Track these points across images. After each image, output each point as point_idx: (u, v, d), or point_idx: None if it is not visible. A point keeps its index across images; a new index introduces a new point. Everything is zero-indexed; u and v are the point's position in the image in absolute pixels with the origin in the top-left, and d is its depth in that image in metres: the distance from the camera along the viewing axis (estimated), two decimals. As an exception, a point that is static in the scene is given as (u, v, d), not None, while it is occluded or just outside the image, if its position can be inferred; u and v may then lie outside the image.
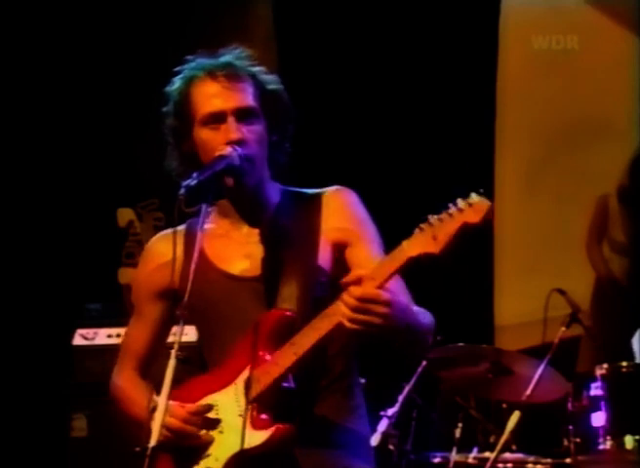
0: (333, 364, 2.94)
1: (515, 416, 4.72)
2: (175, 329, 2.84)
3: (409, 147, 6.35)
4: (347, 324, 2.65)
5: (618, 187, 6.48)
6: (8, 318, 6.30)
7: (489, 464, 4.72)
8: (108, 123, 6.56)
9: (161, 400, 2.68)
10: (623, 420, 4.79)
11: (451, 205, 2.59)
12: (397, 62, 6.40)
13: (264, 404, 2.81)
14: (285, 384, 2.81)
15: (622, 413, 4.79)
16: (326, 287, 2.89)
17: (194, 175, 2.81)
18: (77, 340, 5.78)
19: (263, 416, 2.79)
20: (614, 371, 4.87)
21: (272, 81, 3.02)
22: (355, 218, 2.97)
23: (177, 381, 2.74)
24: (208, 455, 2.88)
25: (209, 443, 2.88)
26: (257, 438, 2.78)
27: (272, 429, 2.77)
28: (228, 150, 2.89)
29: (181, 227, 3.05)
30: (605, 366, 4.89)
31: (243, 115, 2.92)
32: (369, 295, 2.62)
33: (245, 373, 2.84)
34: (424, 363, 4.98)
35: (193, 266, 2.75)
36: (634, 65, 6.44)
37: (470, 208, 2.57)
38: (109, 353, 5.69)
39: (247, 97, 2.94)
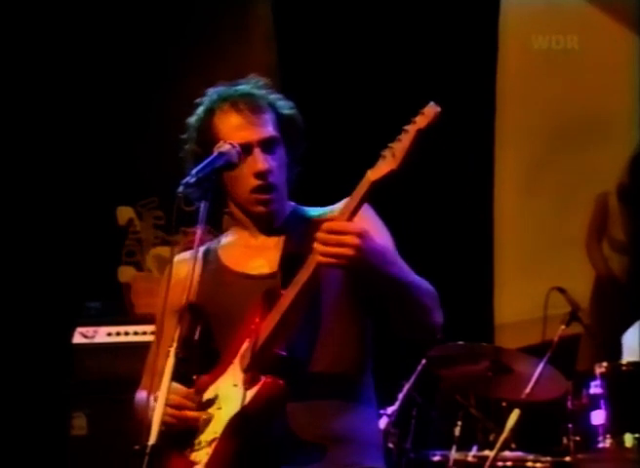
0: (347, 353, 2.94)
1: (515, 415, 4.73)
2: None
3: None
4: (321, 258, 2.67)
5: (617, 186, 6.48)
6: (8, 316, 6.30)
7: (488, 462, 4.73)
8: (108, 122, 6.56)
9: (160, 398, 2.69)
10: (623, 418, 4.79)
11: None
12: (397, 61, 6.40)
13: (258, 370, 2.81)
14: (278, 351, 2.81)
15: (622, 412, 4.79)
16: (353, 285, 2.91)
17: (193, 172, 2.83)
18: (77, 338, 5.79)
19: (256, 375, 2.79)
20: (613, 370, 4.87)
21: (288, 107, 3.08)
22: (371, 225, 2.94)
23: (175, 380, 2.75)
24: (208, 430, 2.88)
25: (209, 420, 2.89)
26: (247, 397, 2.78)
27: (260, 383, 2.78)
28: (227, 146, 2.92)
29: (201, 248, 3.06)
30: (605, 364, 4.89)
31: (267, 145, 2.99)
32: (338, 227, 2.65)
33: (242, 348, 2.86)
34: (424, 361, 4.98)
35: (194, 264, 2.77)
36: (634, 65, 6.44)
37: (422, 115, 2.64)
38: (109, 351, 5.73)
39: (269, 128, 3.00)
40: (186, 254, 3.10)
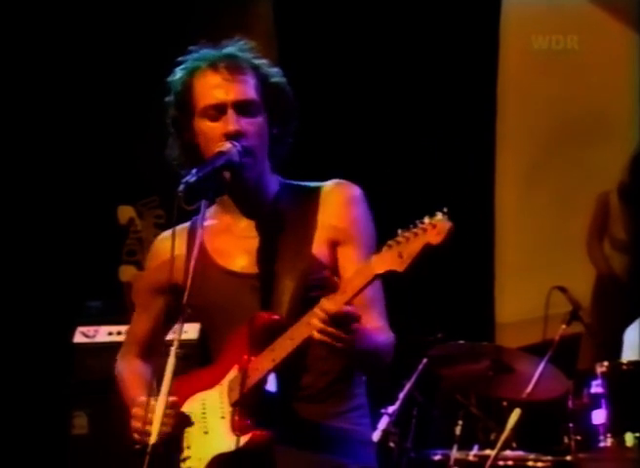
0: (330, 366, 2.94)
1: (516, 414, 4.73)
2: (175, 326, 2.84)
3: (410, 145, 6.35)
4: (315, 335, 2.69)
5: (618, 185, 6.48)
6: (8, 315, 6.30)
7: (489, 462, 4.73)
8: (109, 121, 6.56)
9: (161, 397, 2.69)
10: (624, 418, 4.78)
11: (418, 222, 2.60)
12: (398, 60, 6.40)
13: (246, 407, 2.82)
14: (267, 389, 2.83)
15: (623, 411, 4.79)
16: (324, 282, 2.89)
17: (193, 171, 2.81)
18: (78, 338, 5.78)
19: (244, 421, 2.81)
20: (614, 369, 4.87)
21: (275, 74, 3.02)
22: (350, 217, 2.97)
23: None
24: (192, 455, 2.91)
25: (192, 444, 2.91)
26: (235, 442, 2.80)
27: (249, 435, 2.80)
28: (228, 146, 2.89)
29: (185, 225, 3.06)
30: (605, 363, 4.88)
31: (243, 108, 2.92)
32: (338, 315, 2.66)
33: (231, 375, 2.86)
34: (425, 360, 4.98)
35: (193, 262, 2.78)
36: (634, 63, 6.44)
37: (433, 229, 2.58)
38: (110, 351, 5.68)
39: (247, 90, 2.94)
40: (169, 233, 3.01)
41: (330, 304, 2.66)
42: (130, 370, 3.19)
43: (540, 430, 5.11)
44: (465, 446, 5.06)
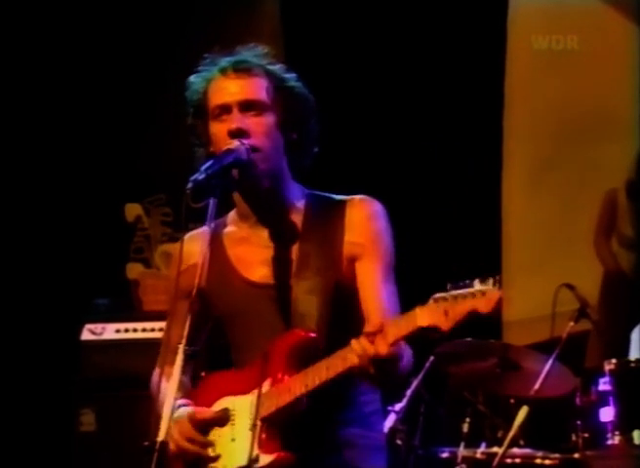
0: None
1: (523, 411, 4.72)
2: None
3: (416, 146, 6.35)
4: (357, 371, 2.72)
5: (626, 182, 6.48)
6: (16, 313, 6.31)
7: (497, 459, 4.72)
8: (115, 118, 6.56)
9: (169, 393, 2.69)
10: (632, 415, 4.78)
11: (468, 282, 2.63)
12: (405, 60, 6.39)
13: (274, 424, 2.84)
14: (297, 412, 2.85)
15: (631, 408, 4.78)
16: (345, 298, 2.93)
17: (201, 169, 2.82)
18: (85, 335, 5.79)
19: (271, 440, 2.83)
20: (622, 367, 4.87)
21: (291, 78, 3.03)
22: (371, 234, 2.98)
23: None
24: (218, 462, 2.92)
25: (220, 448, 2.92)
26: (261, 460, 2.81)
27: (274, 456, 2.81)
28: (236, 144, 2.91)
29: (205, 228, 3.01)
30: (613, 361, 4.88)
31: (248, 107, 2.94)
32: (379, 357, 2.68)
33: (263, 388, 2.87)
34: (432, 358, 4.98)
35: (202, 260, 2.79)
36: (636, 61, 6.44)
37: (483, 296, 2.60)
38: (117, 348, 5.73)
39: (253, 90, 2.95)
40: (196, 233, 3.06)
41: (371, 346, 2.67)
42: (164, 382, 3.12)
43: (547, 428, 5.10)
44: (473, 443, 5.05)
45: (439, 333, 2.64)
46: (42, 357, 6.21)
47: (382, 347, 2.66)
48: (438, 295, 2.63)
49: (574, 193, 6.54)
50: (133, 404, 5.20)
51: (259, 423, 2.83)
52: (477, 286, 2.61)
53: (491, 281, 2.61)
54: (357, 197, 3.04)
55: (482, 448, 5.02)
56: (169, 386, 2.71)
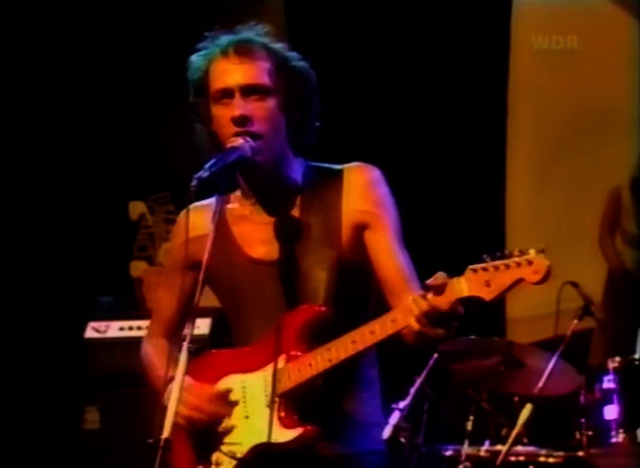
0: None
1: (527, 409, 4.72)
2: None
3: (421, 141, 6.34)
4: (408, 332, 2.70)
5: (630, 180, 6.47)
6: (20, 311, 6.32)
7: (501, 457, 4.72)
8: (120, 116, 6.56)
9: (174, 392, 2.69)
10: (636, 413, 4.77)
11: (507, 253, 2.59)
12: (409, 57, 6.38)
13: (292, 400, 2.84)
14: (316, 385, 2.85)
15: (635, 406, 4.78)
16: (348, 270, 2.91)
17: (206, 166, 2.81)
18: (89, 333, 5.80)
19: (292, 415, 2.83)
20: (626, 364, 4.86)
21: (293, 57, 3.03)
22: (375, 200, 2.96)
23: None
24: (231, 439, 2.91)
25: (232, 426, 2.91)
26: (284, 435, 2.82)
27: (300, 430, 2.82)
28: (240, 141, 2.90)
29: (210, 201, 3.01)
30: (617, 358, 4.87)
31: (251, 91, 2.93)
32: (442, 310, 2.66)
33: (278, 364, 2.86)
34: (436, 355, 4.97)
35: (208, 247, 2.77)
36: (637, 57, 6.44)
37: (529, 265, 2.59)
38: (121, 346, 5.73)
39: (256, 73, 2.94)
40: (199, 205, 3.02)
41: (428, 302, 2.65)
42: (156, 350, 3.16)
43: (551, 425, 5.10)
44: (477, 441, 5.04)
45: (479, 302, 2.60)
46: (46, 355, 6.21)
47: (442, 303, 2.63)
48: (476, 266, 2.62)
49: (579, 191, 6.53)
50: (137, 401, 5.20)
51: (277, 399, 2.82)
52: (519, 257, 2.57)
53: (533, 250, 2.57)
54: (354, 164, 3.04)
55: (486, 446, 5.02)
56: (174, 387, 2.70)
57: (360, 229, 2.95)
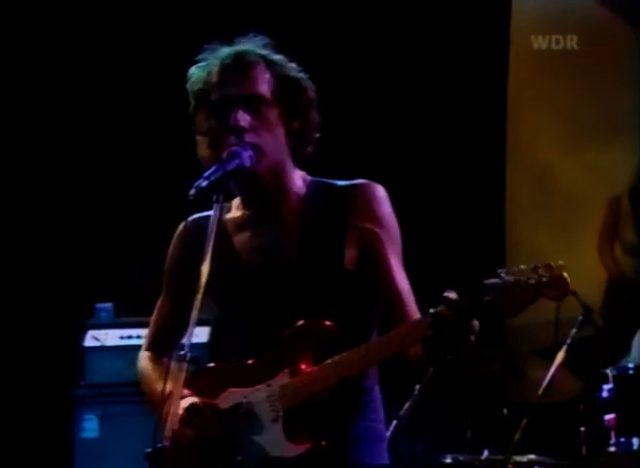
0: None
1: (527, 417, 4.71)
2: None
3: (420, 149, 6.35)
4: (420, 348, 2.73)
5: (629, 188, 6.47)
6: (19, 318, 6.31)
7: (500, 466, 4.72)
8: (122, 119, 6.56)
9: (174, 401, 2.68)
10: (635, 422, 4.77)
11: (525, 269, 2.64)
12: (410, 58, 6.39)
13: (298, 414, 2.83)
14: (322, 400, 2.84)
15: (634, 415, 4.77)
16: (351, 283, 2.92)
17: (205, 174, 2.82)
18: (88, 341, 5.79)
19: (299, 430, 2.82)
20: (623, 373, 4.86)
21: (292, 68, 3.02)
22: (379, 219, 2.97)
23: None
24: (237, 455, 2.88)
25: (238, 442, 2.88)
26: (291, 450, 2.81)
27: (307, 446, 2.81)
28: (238, 150, 2.90)
29: (209, 213, 2.95)
30: (617, 367, 4.87)
31: (249, 102, 2.93)
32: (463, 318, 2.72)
33: (281, 378, 2.85)
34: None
35: (208, 256, 2.76)
36: (636, 57, 6.45)
37: (553, 285, 2.63)
38: (121, 354, 5.72)
39: (254, 85, 2.95)
40: (200, 216, 3.01)
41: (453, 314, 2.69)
42: (151, 364, 3.13)
43: (551, 433, 5.10)
44: (476, 449, 5.04)
45: (500, 316, 2.64)
46: (45, 362, 6.21)
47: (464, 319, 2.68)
48: (494, 282, 2.65)
49: (578, 199, 6.53)
50: (136, 410, 5.19)
51: (282, 414, 2.81)
52: (545, 272, 2.61)
53: (555, 266, 2.60)
54: (360, 181, 3.03)
55: (485, 455, 5.02)
56: (173, 401, 2.69)
57: (362, 245, 2.95)
